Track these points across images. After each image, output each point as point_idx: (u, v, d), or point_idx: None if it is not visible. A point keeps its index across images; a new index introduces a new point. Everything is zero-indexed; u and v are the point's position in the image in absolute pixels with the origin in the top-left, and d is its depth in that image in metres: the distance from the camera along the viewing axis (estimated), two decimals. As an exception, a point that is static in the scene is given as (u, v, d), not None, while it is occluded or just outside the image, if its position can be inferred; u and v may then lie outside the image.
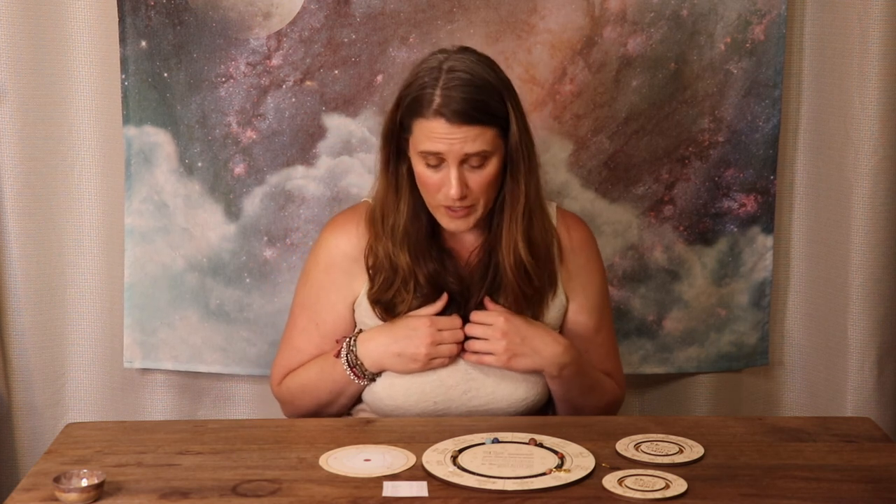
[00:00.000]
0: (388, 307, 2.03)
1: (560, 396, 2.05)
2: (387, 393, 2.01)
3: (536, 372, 2.00)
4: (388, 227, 2.02)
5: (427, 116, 1.91)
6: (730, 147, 2.51)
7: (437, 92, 1.91)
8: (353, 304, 2.07)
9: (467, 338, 2.00)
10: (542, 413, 2.09)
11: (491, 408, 2.00)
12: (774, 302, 2.61)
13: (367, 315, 2.05)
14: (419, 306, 2.02)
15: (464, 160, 1.92)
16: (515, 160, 1.97)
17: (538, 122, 2.46)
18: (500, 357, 1.96)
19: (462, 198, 1.93)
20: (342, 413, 2.09)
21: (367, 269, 2.04)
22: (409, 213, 2.01)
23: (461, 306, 2.02)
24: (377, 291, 2.03)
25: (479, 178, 1.94)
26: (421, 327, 1.97)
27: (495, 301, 2.02)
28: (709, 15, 2.46)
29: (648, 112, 2.49)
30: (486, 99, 1.93)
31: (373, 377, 2.02)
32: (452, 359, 1.99)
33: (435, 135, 1.91)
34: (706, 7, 2.45)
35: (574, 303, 2.09)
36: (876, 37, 2.38)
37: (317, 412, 2.07)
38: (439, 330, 1.98)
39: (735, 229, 2.55)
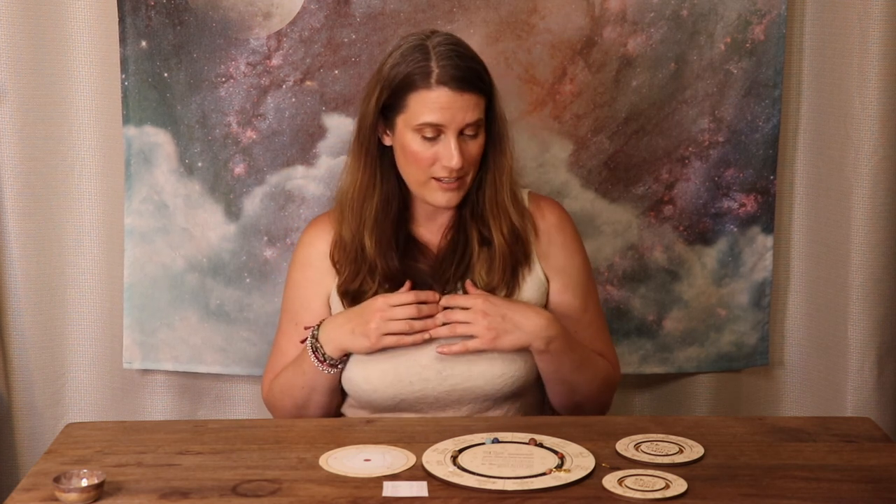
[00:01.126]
0: (355, 297, 2.05)
1: (551, 375, 2.03)
2: (362, 377, 2.02)
3: (523, 348, 1.99)
4: (361, 212, 2.05)
5: (429, 87, 1.95)
6: (730, 147, 2.51)
7: (433, 64, 1.96)
8: (328, 299, 2.10)
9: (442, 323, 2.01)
10: (536, 406, 2.10)
11: (469, 386, 2.00)
12: (774, 302, 2.61)
13: (339, 309, 2.07)
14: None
15: (463, 129, 1.97)
16: (501, 130, 2.03)
17: (538, 122, 2.46)
18: (484, 338, 1.96)
19: (460, 168, 1.97)
20: (327, 414, 2.09)
21: (333, 263, 2.08)
22: (381, 201, 2.04)
23: (436, 291, 2.04)
24: (344, 281, 2.06)
25: (472, 149, 1.99)
26: (372, 303, 1.99)
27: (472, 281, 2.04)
28: (709, 15, 2.46)
29: (648, 112, 2.49)
30: (478, 68, 2.00)
31: (335, 363, 2.01)
32: (415, 339, 1.98)
33: (438, 104, 1.95)
34: (706, 7, 2.45)
35: (556, 283, 2.08)
36: (876, 37, 2.38)
37: (297, 414, 2.08)
38: (392, 306, 1.98)
39: (735, 229, 2.55)
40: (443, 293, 2.03)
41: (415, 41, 2.00)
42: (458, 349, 1.97)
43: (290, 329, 2.12)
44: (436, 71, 1.95)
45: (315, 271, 2.10)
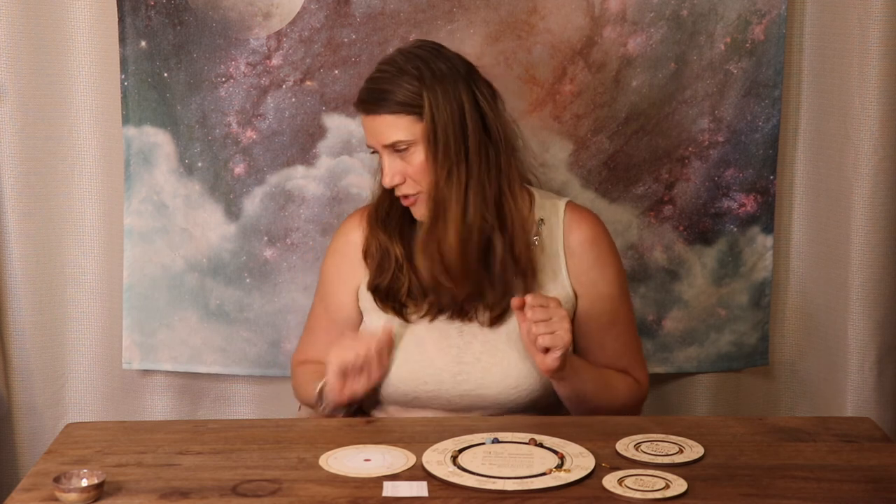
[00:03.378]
0: (388, 293, 2.06)
1: (569, 397, 2.01)
2: None
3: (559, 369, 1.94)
4: (385, 215, 2.08)
5: (358, 111, 2.02)
6: (730, 147, 2.51)
7: (359, 92, 2.02)
8: (357, 291, 2.12)
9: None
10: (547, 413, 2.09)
11: (481, 393, 2.00)
12: (774, 302, 2.61)
13: (368, 302, 2.09)
14: (419, 293, 2.03)
15: (392, 149, 1.98)
16: (436, 149, 1.96)
17: (538, 123, 2.46)
18: (566, 337, 1.90)
19: (396, 185, 1.99)
20: None
21: (364, 257, 2.10)
22: (399, 203, 2.05)
23: (453, 300, 2.03)
24: (373, 277, 2.07)
25: (408, 166, 1.99)
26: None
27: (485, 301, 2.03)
28: (709, 15, 2.46)
29: (648, 112, 2.49)
30: (392, 89, 1.97)
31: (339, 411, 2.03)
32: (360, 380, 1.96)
33: (364, 127, 2.01)
34: (706, 7, 2.45)
35: (585, 299, 2.06)
36: (876, 37, 2.38)
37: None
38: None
39: (735, 229, 2.55)
40: (464, 310, 2.02)
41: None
42: (551, 361, 1.91)
43: (321, 312, 2.17)
44: (358, 95, 2.02)
45: (347, 263, 2.12)
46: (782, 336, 2.63)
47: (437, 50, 2.03)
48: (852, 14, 2.41)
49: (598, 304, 2.06)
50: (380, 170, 2.03)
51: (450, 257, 1.98)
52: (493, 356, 2.01)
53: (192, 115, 2.45)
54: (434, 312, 2.04)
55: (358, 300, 2.11)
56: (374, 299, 2.07)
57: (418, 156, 1.98)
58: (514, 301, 1.91)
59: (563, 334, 1.89)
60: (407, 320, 2.05)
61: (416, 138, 1.97)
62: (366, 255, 2.10)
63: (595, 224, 2.11)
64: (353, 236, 2.13)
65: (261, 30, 2.43)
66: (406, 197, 2.01)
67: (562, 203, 2.10)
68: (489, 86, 2.04)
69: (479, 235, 1.99)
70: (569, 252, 2.06)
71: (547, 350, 1.90)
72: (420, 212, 2.02)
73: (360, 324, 2.13)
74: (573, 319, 2.06)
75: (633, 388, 2.11)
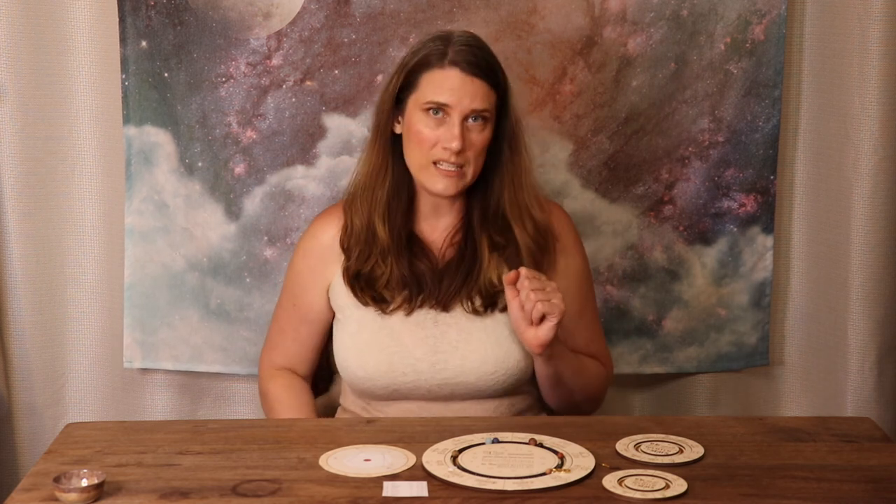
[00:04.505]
0: (368, 282, 2.07)
1: (549, 380, 2.04)
2: (357, 364, 2.05)
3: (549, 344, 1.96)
4: (372, 197, 2.08)
5: (442, 66, 2.00)
6: (730, 147, 2.51)
7: (451, 48, 2.02)
8: (328, 290, 2.13)
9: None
10: (530, 405, 2.11)
11: (460, 381, 2.02)
12: (774, 302, 2.61)
13: (342, 296, 2.10)
14: (398, 281, 2.05)
15: (466, 117, 1.99)
16: (516, 131, 2.06)
17: (538, 123, 2.46)
18: (561, 305, 1.93)
19: (460, 152, 1.98)
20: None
21: (343, 247, 2.10)
22: (391, 186, 2.07)
23: (434, 294, 2.05)
24: (354, 263, 2.08)
25: (476, 139, 2.01)
26: None
27: (470, 295, 2.05)
28: (709, 15, 2.46)
29: (648, 112, 2.49)
30: (493, 63, 2.04)
31: None
32: None
33: (447, 84, 1.99)
34: (706, 7, 2.45)
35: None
36: (876, 37, 2.38)
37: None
38: None
39: (735, 229, 2.55)
40: (445, 304, 2.04)
41: (438, 33, 2.07)
42: (546, 328, 1.94)
43: (289, 307, 2.18)
44: (451, 54, 2.00)
45: (317, 261, 2.14)
46: (782, 336, 2.63)
47: None
48: (852, 14, 2.41)
49: (567, 293, 2.04)
50: (438, 136, 2.00)
51: (543, 224, 2.07)
52: (469, 343, 2.03)
53: (192, 114, 2.45)
54: (411, 305, 2.05)
55: (329, 300, 2.13)
56: (353, 289, 2.08)
57: (488, 132, 2.02)
58: (509, 275, 1.95)
59: (557, 302, 1.92)
60: (384, 312, 2.06)
61: (492, 116, 2.03)
62: (345, 244, 2.10)
63: (560, 213, 2.16)
64: (325, 237, 2.14)
65: (261, 30, 2.43)
66: (447, 167, 2.00)
67: None
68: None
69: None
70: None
71: (541, 321, 1.93)
72: (455, 185, 2.02)
73: (329, 323, 2.15)
74: None
75: (602, 375, 2.16)
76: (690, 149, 2.51)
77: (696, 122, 2.50)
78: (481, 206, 2.09)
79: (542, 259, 2.08)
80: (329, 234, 2.13)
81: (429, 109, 2.00)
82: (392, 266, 2.06)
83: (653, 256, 2.55)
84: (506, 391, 2.05)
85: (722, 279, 2.58)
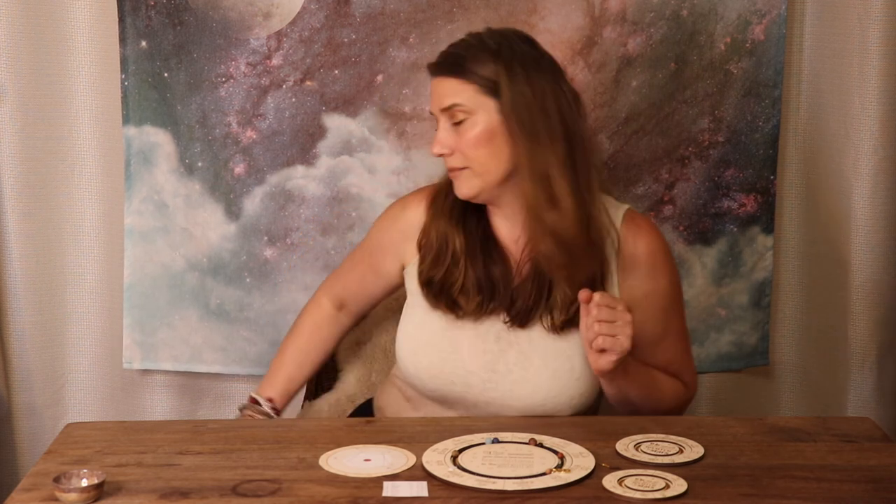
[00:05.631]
0: (442, 287, 2.00)
1: (616, 398, 1.97)
2: (412, 361, 2.01)
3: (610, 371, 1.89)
4: (446, 208, 2.03)
5: (430, 75, 1.99)
6: (730, 147, 2.51)
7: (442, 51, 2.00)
8: (404, 268, 2.09)
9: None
10: None
11: (508, 403, 1.97)
12: (774, 302, 2.61)
13: (416, 289, 2.04)
14: (473, 286, 1.98)
15: (448, 116, 1.94)
16: (510, 127, 1.93)
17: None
18: (625, 344, 1.85)
19: (445, 154, 1.94)
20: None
21: (419, 246, 2.05)
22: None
23: (505, 305, 1.98)
24: (428, 268, 2.02)
25: (461, 140, 1.93)
26: None
27: (556, 318, 1.96)
28: (709, 15, 2.46)
29: (648, 112, 2.49)
30: (466, 55, 1.94)
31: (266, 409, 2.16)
32: None
33: (430, 91, 1.97)
34: (706, 7, 2.45)
35: (637, 312, 1.92)
36: (876, 37, 2.38)
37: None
38: None
39: (735, 229, 2.55)
40: (522, 321, 1.97)
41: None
42: (605, 362, 1.87)
43: (366, 256, 2.14)
44: (430, 64, 1.99)
45: (400, 236, 2.09)
46: (782, 336, 2.64)
47: (528, 39, 2.01)
48: (852, 14, 2.41)
49: (650, 316, 1.97)
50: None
51: (569, 233, 1.91)
52: (525, 370, 1.96)
53: (192, 114, 2.45)
54: (481, 310, 1.98)
55: (404, 276, 2.08)
56: (426, 294, 2.02)
57: (473, 130, 1.93)
58: (583, 293, 1.85)
59: (623, 340, 1.84)
60: (458, 317, 1.99)
61: (476, 108, 1.93)
62: (422, 242, 2.05)
63: (652, 235, 2.02)
64: (414, 214, 2.07)
65: (261, 30, 2.43)
66: (451, 170, 1.97)
67: (621, 210, 2.03)
68: (573, 90, 1.99)
69: (588, 213, 1.94)
70: (622, 262, 1.99)
71: (602, 351, 1.86)
72: (463, 187, 1.96)
73: (396, 287, 2.11)
74: None
75: (679, 392, 2.07)
76: (690, 149, 2.51)
77: (696, 122, 2.50)
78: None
79: (575, 271, 1.94)
80: (418, 214, 2.07)
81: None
82: (467, 269, 1.99)
83: (653, 256, 2.55)
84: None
85: (722, 279, 2.58)
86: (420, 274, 2.03)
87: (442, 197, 2.04)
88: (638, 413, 1.99)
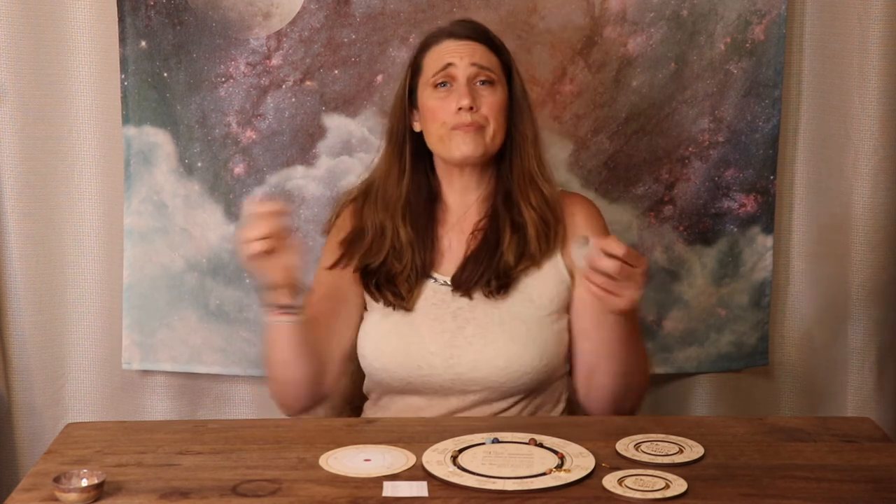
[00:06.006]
0: (388, 278, 2.05)
1: (614, 343, 1.97)
2: (374, 354, 2.05)
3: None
4: (387, 197, 2.08)
5: (439, 42, 2.08)
6: (730, 147, 2.51)
7: (446, 26, 2.11)
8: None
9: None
10: (546, 405, 2.09)
11: (474, 376, 2.01)
12: (774, 302, 2.61)
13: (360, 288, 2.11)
14: (418, 275, 2.05)
15: (472, 77, 2.03)
16: (521, 100, 2.08)
17: (538, 122, 2.46)
18: (625, 301, 1.85)
19: (471, 108, 2.00)
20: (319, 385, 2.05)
21: (343, 249, 2.09)
22: (410, 186, 2.09)
23: (456, 280, 2.05)
24: (363, 257, 2.07)
25: (488, 99, 2.04)
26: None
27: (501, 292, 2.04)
28: (709, 15, 2.46)
29: (648, 112, 2.49)
30: (489, 32, 2.10)
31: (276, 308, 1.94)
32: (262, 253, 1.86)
33: (446, 51, 2.05)
34: (706, 7, 2.45)
35: (582, 285, 1.93)
36: (876, 37, 2.38)
37: (286, 382, 2.02)
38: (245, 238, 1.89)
39: (735, 229, 2.55)
40: (468, 290, 2.03)
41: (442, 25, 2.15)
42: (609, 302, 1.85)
43: (324, 276, 2.11)
44: (446, 28, 2.09)
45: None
46: (782, 336, 2.63)
47: None
48: (852, 14, 2.41)
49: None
50: (450, 102, 2.02)
51: (553, 205, 2.07)
52: (484, 338, 2.02)
53: (192, 115, 2.45)
54: (431, 291, 2.05)
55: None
56: (365, 286, 2.07)
57: (496, 96, 2.04)
58: (601, 241, 1.81)
59: (631, 294, 1.84)
60: (406, 309, 2.05)
61: (500, 80, 2.06)
62: (349, 238, 2.10)
63: (587, 208, 2.13)
64: (346, 224, 2.14)
65: (261, 30, 2.43)
66: (465, 126, 2.01)
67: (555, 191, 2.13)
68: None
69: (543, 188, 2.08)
70: (564, 236, 2.08)
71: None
72: (476, 143, 2.02)
73: (362, 302, 2.11)
74: (569, 305, 2.08)
75: (647, 371, 2.10)
76: (690, 149, 2.51)
77: (696, 122, 2.50)
78: (504, 189, 2.09)
79: (545, 241, 2.05)
80: (348, 223, 2.14)
81: (437, 84, 2.04)
82: (413, 257, 2.05)
83: (653, 256, 2.55)
84: (519, 390, 2.03)
85: (722, 279, 2.58)
86: (356, 267, 2.08)
87: (374, 193, 2.10)
88: (618, 378, 2.02)
